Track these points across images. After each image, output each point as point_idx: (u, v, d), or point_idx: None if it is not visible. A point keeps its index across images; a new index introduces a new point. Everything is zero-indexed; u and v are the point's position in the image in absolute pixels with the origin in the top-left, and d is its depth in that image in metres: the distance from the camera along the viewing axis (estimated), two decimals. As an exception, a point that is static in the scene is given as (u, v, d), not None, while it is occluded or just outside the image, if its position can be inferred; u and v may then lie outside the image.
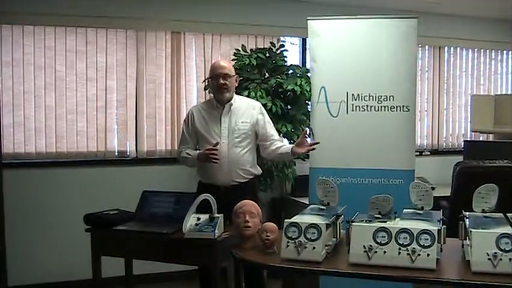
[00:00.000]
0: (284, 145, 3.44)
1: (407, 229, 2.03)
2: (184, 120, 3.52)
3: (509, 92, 6.06)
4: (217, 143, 3.22)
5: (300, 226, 2.13)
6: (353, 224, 2.11)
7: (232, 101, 3.36)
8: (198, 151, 3.35)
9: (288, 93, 4.23)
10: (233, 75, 3.36)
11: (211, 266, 2.82)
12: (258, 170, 3.49)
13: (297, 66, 4.56)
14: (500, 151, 4.74)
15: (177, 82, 4.76)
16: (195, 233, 2.68)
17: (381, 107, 4.10)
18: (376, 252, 2.02)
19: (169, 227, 2.84)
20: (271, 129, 3.45)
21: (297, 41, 5.26)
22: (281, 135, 4.21)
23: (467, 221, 2.16)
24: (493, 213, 2.24)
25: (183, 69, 4.77)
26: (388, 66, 4.10)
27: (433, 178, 5.04)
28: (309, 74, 4.30)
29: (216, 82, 3.30)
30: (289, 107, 4.30)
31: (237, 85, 3.44)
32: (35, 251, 4.32)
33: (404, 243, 2.00)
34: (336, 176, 3.96)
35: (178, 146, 3.56)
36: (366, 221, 2.16)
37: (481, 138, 5.87)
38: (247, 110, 3.40)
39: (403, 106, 4.09)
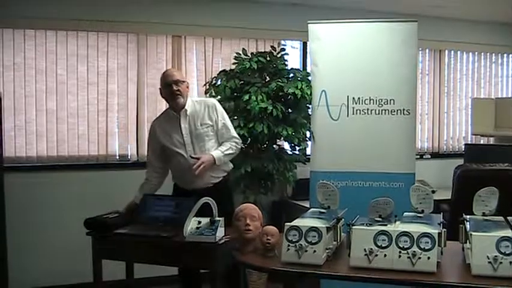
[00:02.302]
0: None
1: (408, 232, 2.03)
2: (149, 134, 3.53)
3: (509, 95, 6.06)
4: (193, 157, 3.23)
5: (300, 229, 2.13)
6: (353, 227, 2.11)
7: (186, 107, 3.34)
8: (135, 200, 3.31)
9: (289, 96, 4.23)
10: (184, 81, 3.36)
11: (212, 269, 2.82)
12: (228, 166, 3.51)
13: (298, 69, 4.56)
14: (500, 154, 4.74)
15: (178, 86, 4.77)
16: (196, 236, 2.69)
17: (382, 110, 4.11)
18: (376, 255, 2.02)
19: (170, 231, 2.85)
20: (226, 132, 3.42)
21: (297, 44, 5.27)
22: (281, 138, 4.23)
23: (467, 224, 2.16)
24: (494, 217, 2.25)
25: (184, 73, 4.78)
26: (389, 70, 4.11)
27: (434, 181, 5.04)
28: (309, 78, 4.31)
29: (168, 90, 3.31)
30: (289, 110, 4.30)
31: (188, 91, 3.40)
32: (36, 254, 4.31)
33: (405, 247, 2.00)
34: (337, 179, 3.97)
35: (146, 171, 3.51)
36: (366, 224, 2.16)
37: (481, 142, 5.88)
38: (205, 112, 3.38)
39: (403, 109, 4.10)
